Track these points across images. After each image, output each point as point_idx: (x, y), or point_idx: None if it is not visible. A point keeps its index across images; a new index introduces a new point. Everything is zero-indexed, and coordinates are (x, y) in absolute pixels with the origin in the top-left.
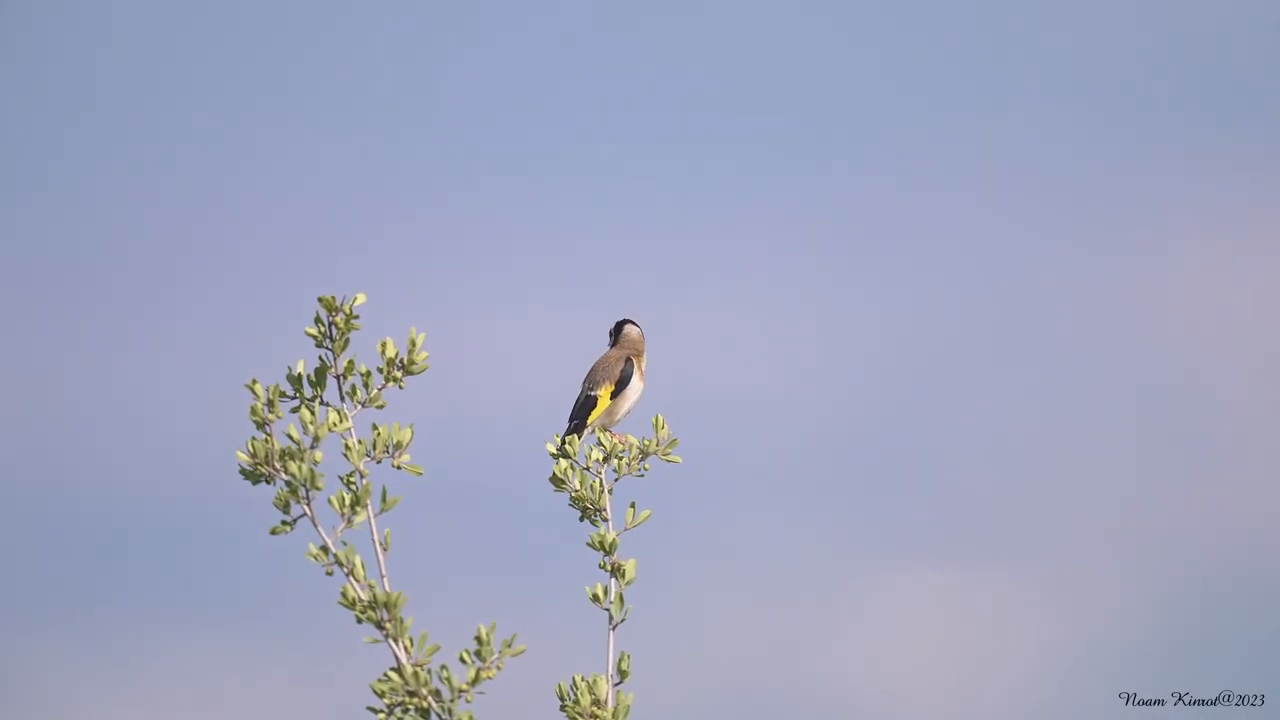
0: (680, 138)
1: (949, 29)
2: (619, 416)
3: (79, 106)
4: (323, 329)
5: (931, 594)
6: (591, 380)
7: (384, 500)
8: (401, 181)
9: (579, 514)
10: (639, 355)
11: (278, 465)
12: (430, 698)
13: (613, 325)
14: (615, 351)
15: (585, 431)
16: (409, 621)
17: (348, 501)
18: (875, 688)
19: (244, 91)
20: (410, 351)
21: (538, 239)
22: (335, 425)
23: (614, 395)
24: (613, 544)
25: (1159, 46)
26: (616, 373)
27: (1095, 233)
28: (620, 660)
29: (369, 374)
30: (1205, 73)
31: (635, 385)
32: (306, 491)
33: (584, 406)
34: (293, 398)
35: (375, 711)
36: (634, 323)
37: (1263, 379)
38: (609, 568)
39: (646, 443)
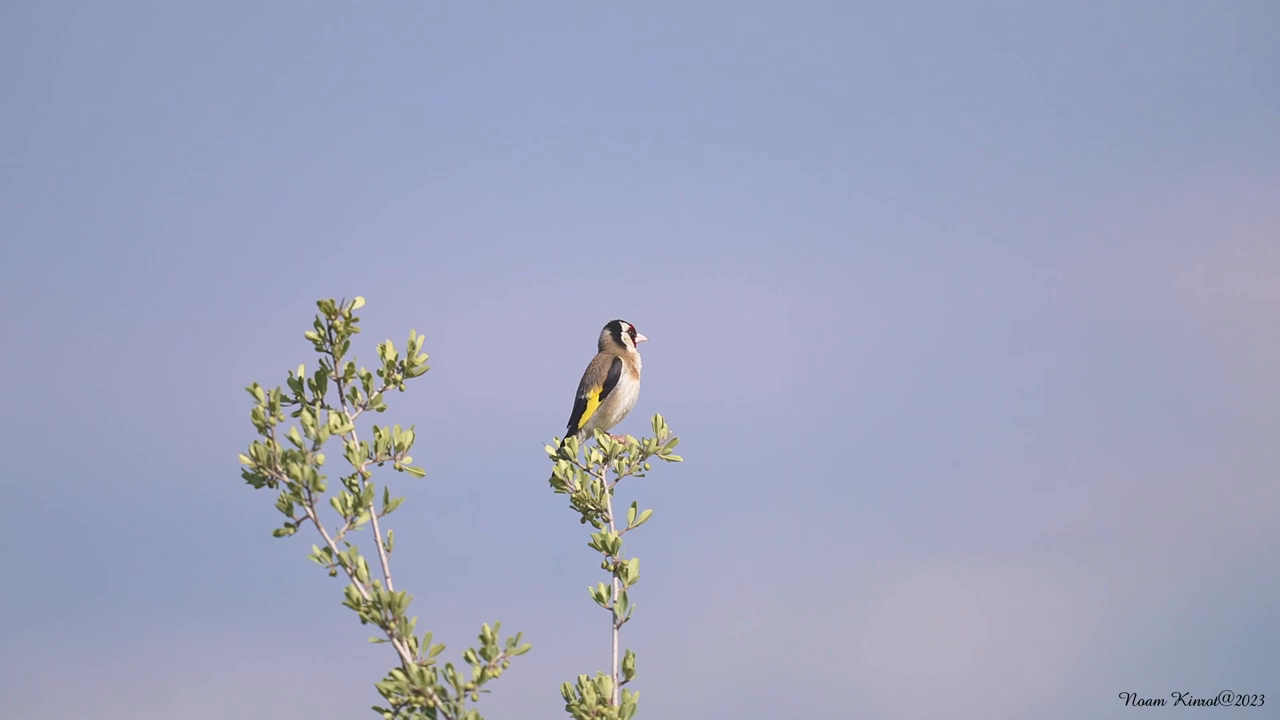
0: (683, 128)
1: (959, 12)
2: (613, 418)
3: (69, 106)
4: (322, 332)
5: (933, 592)
6: (582, 384)
7: (386, 502)
8: (391, 181)
9: (580, 515)
10: (627, 355)
11: (280, 468)
12: (436, 696)
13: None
14: (603, 354)
15: (581, 435)
16: (413, 621)
17: (350, 503)
18: (878, 685)
19: (230, 91)
20: (410, 354)
21: (538, 238)
22: (336, 428)
23: (603, 396)
24: (615, 544)
25: (1187, 28)
26: (604, 374)
27: (1108, 219)
28: (625, 659)
29: (369, 377)
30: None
31: (625, 384)
32: (309, 494)
33: (575, 411)
34: (294, 401)
35: (381, 711)
36: (614, 325)
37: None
38: (612, 568)
39: (647, 442)
